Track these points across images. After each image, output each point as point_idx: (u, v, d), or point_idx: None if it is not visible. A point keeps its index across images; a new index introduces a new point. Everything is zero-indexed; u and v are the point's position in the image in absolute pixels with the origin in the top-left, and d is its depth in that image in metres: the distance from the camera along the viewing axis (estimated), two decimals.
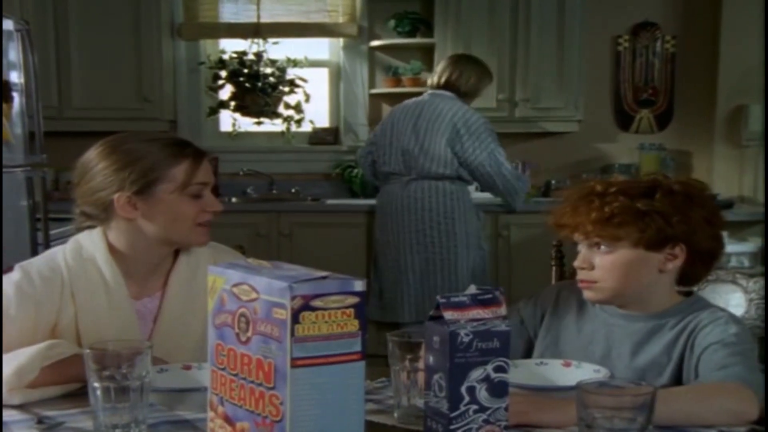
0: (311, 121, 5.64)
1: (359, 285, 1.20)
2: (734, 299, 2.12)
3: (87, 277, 1.93)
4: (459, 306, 1.39)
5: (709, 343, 1.70)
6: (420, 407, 1.51)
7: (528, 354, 1.96)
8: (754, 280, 2.15)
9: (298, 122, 5.56)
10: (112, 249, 1.96)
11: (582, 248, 1.84)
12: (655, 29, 5.81)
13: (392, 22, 5.60)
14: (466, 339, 1.36)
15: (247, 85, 5.40)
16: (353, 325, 1.20)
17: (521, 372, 1.70)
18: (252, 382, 1.22)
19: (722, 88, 5.57)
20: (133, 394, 1.47)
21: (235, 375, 1.26)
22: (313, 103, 5.65)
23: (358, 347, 1.21)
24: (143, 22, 5.31)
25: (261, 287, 1.21)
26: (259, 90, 5.37)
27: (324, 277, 1.20)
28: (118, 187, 1.92)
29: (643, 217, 1.76)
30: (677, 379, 1.76)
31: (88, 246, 1.96)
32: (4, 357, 1.69)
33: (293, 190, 5.54)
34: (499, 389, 1.38)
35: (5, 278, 1.90)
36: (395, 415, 1.58)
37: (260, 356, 1.21)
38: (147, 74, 5.33)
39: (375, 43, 5.68)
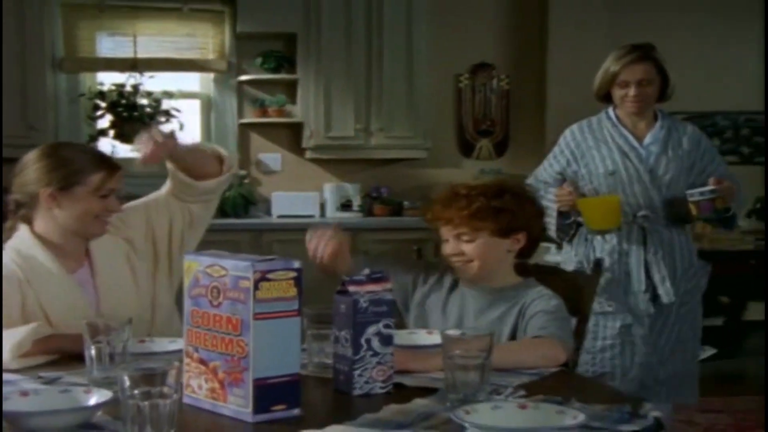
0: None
1: (297, 263, 1.77)
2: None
3: (33, 269, 2.42)
4: (358, 282, 1.98)
5: (535, 311, 2.34)
6: (326, 363, 2.08)
7: None
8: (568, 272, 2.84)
9: None
10: (40, 238, 2.46)
11: (449, 239, 2.43)
12: (491, 69, 6.62)
13: (259, 60, 6.19)
14: (364, 305, 1.95)
15: (125, 114, 5.86)
16: (293, 291, 1.76)
17: (398, 339, 2.29)
18: (223, 332, 1.77)
19: (549, 121, 6.40)
20: (118, 357, 1.99)
21: (208, 330, 1.80)
22: (187, 132, 6.14)
23: (296, 306, 1.77)
24: (28, 55, 5.69)
25: (229, 266, 1.76)
26: (137, 119, 5.83)
27: (273, 259, 1.77)
28: (46, 182, 2.42)
29: (498, 213, 2.38)
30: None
31: (22, 246, 2.45)
32: (4, 333, 2.18)
33: None
34: (387, 340, 1.97)
35: None
36: (309, 368, 2.14)
37: (229, 314, 1.76)
38: (32, 104, 5.71)
39: (243, 77, 6.24)
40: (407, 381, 2.00)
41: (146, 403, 1.51)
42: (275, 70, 6.21)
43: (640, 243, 3.41)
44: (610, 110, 3.54)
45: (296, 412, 1.75)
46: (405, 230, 5.89)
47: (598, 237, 3.46)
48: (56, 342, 2.21)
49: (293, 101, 6.26)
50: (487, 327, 2.27)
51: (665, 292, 3.40)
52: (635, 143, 3.44)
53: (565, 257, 3.58)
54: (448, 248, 2.45)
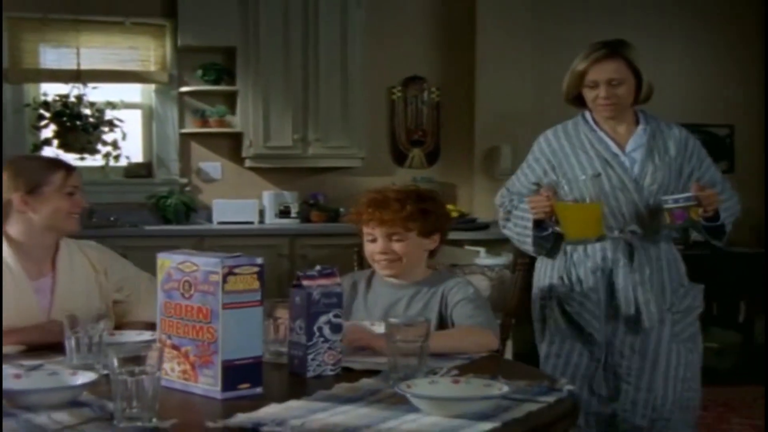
0: (127, 157, 6.32)
1: (260, 260, 2.03)
2: (482, 283, 3.06)
3: None
4: (311, 277, 2.24)
5: (457, 299, 2.64)
6: (280, 351, 2.34)
7: None
8: (495, 271, 3.13)
9: (116, 158, 6.22)
10: (11, 241, 2.69)
11: (378, 238, 2.70)
12: (423, 82, 6.93)
13: (200, 72, 6.41)
14: (316, 297, 2.21)
15: (68, 124, 6.02)
16: (256, 284, 2.02)
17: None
18: (193, 320, 2.01)
19: (478, 132, 6.74)
20: (94, 346, 2.23)
21: (180, 318, 2.04)
22: (129, 141, 6.33)
23: (258, 297, 2.02)
24: None
25: (200, 262, 2.01)
26: (81, 129, 6.00)
27: (239, 256, 2.02)
28: (14, 188, 2.66)
29: (425, 215, 2.67)
30: (438, 327, 2.66)
31: None
32: None
33: (112, 218, 6.15)
34: (337, 328, 2.23)
35: None
36: (265, 355, 2.39)
37: (200, 305, 2.00)
38: None
39: (184, 89, 6.46)
40: (354, 365, 2.26)
41: (133, 379, 1.75)
42: (215, 82, 6.43)
43: (627, 259, 3.10)
44: (587, 113, 3.21)
45: (259, 390, 2.01)
46: (341, 236, 6.12)
47: (580, 251, 3.17)
48: (15, 337, 2.47)
49: (233, 112, 6.49)
50: (417, 316, 2.55)
51: (648, 316, 3.08)
52: (617, 150, 3.12)
53: (539, 275, 3.31)
54: (376, 247, 2.71)
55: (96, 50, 6.27)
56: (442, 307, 2.69)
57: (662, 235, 3.14)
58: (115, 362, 1.76)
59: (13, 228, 2.70)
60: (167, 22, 6.40)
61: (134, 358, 1.77)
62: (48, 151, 6.17)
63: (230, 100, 6.52)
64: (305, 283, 2.23)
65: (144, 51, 6.39)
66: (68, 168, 2.76)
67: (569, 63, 3.20)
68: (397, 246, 2.69)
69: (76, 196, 2.73)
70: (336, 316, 2.24)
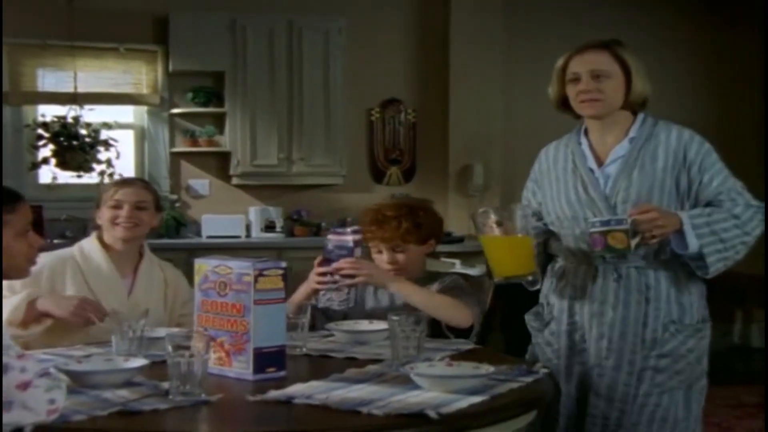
0: (120, 174, 6.62)
1: (284, 263, 2.41)
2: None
3: (89, 264, 3.09)
4: (335, 232, 2.92)
5: (451, 287, 3.05)
6: (295, 344, 2.71)
7: None
8: (475, 277, 3.52)
9: (110, 175, 6.54)
10: (104, 245, 3.13)
11: (383, 251, 3.10)
12: (400, 104, 7.35)
13: (190, 94, 6.79)
14: (330, 247, 2.93)
15: (66, 144, 6.35)
16: (281, 284, 2.39)
17: (346, 326, 2.94)
18: (228, 315, 2.38)
19: (452, 151, 7.16)
20: (137, 339, 2.59)
21: (216, 313, 2.41)
22: (122, 159, 6.66)
23: (282, 295, 2.40)
24: None
25: (234, 266, 2.38)
26: (78, 148, 6.33)
27: (267, 260, 2.40)
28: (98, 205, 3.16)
29: (419, 227, 3.09)
30: None
31: (86, 246, 3.12)
32: (5, 302, 2.73)
33: None
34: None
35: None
36: None
37: (234, 301, 2.38)
38: None
39: (175, 110, 6.84)
40: (358, 355, 2.64)
41: (185, 361, 2.11)
42: (205, 104, 6.82)
43: (599, 288, 2.73)
44: (584, 124, 2.86)
45: (283, 373, 2.38)
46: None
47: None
48: (43, 303, 2.81)
49: (221, 132, 6.87)
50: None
51: (596, 351, 2.72)
52: (593, 165, 2.76)
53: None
54: (384, 258, 3.12)
55: (92, 74, 6.64)
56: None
57: (662, 263, 2.69)
58: (170, 348, 2.12)
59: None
60: (159, 48, 6.78)
61: (184, 346, 2.15)
62: (45, 170, 6.51)
63: (219, 121, 6.90)
64: (329, 235, 2.81)
65: (137, 75, 6.77)
66: (122, 183, 3.25)
67: (541, 87, 2.97)
68: (400, 256, 3.11)
69: (122, 209, 3.13)
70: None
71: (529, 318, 2.93)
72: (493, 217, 2.64)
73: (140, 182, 3.31)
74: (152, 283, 3.20)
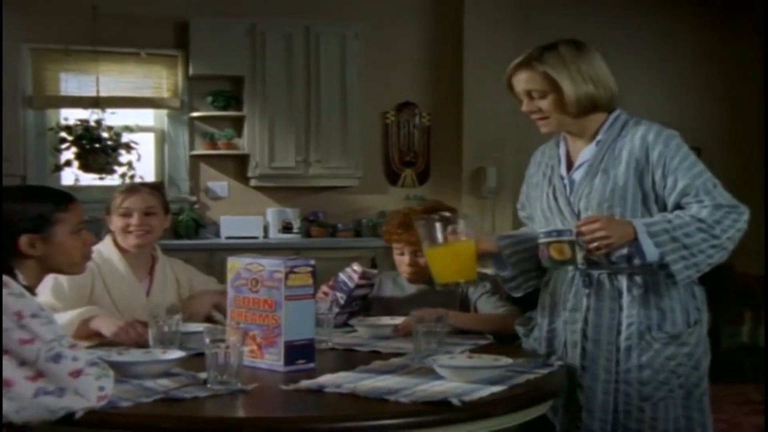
0: (141, 177, 6.78)
1: (312, 261, 2.54)
2: None
3: (108, 268, 3.20)
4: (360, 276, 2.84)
5: (480, 293, 3.15)
6: (320, 338, 2.84)
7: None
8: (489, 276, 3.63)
9: (131, 177, 6.70)
10: (120, 248, 3.25)
11: (406, 254, 3.19)
12: (414, 107, 7.48)
13: (209, 98, 6.94)
14: (355, 294, 2.77)
15: (88, 147, 6.50)
16: (310, 281, 2.52)
17: (369, 321, 3.08)
18: (260, 310, 2.52)
19: (466, 154, 7.29)
20: (171, 334, 2.72)
21: (248, 308, 2.55)
22: (143, 162, 6.82)
23: (311, 291, 2.53)
24: (3, 93, 6.31)
25: (265, 264, 2.52)
26: (100, 151, 6.49)
27: (296, 258, 2.53)
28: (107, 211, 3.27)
29: None
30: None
31: (104, 250, 3.22)
32: (57, 316, 2.84)
33: None
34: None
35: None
36: None
37: (266, 297, 2.51)
38: (6, 138, 6.32)
39: (194, 114, 6.99)
40: (382, 348, 2.77)
41: (222, 352, 2.25)
42: (224, 108, 6.97)
43: (574, 295, 2.67)
44: None
45: (312, 365, 2.51)
46: (340, 249, 6.69)
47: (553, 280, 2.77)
48: (96, 323, 2.92)
49: (240, 135, 7.02)
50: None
51: (572, 358, 2.65)
52: (563, 171, 2.71)
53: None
54: (404, 260, 3.21)
55: (114, 78, 6.80)
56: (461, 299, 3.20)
57: (639, 267, 2.57)
58: (208, 340, 2.26)
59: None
60: (179, 52, 6.95)
61: (220, 338, 2.28)
62: (68, 172, 6.65)
63: (237, 124, 7.05)
64: (349, 267, 3.00)
65: (158, 79, 6.93)
66: (129, 190, 3.34)
67: None
68: (421, 260, 3.10)
69: (132, 217, 3.26)
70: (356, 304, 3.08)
71: (518, 322, 2.89)
72: (437, 226, 2.63)
73: (146, 188, 3.38)
74: (167, 284, 3.32)
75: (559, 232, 2.52)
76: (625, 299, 2.58)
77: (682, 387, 2.59)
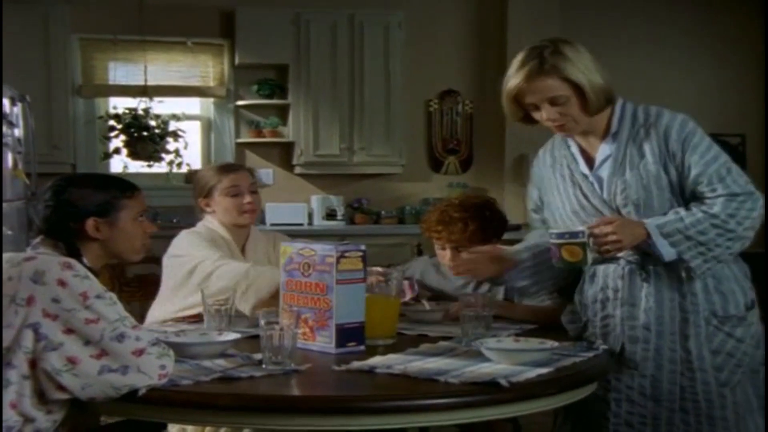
0: (188, 164, 6.91)
1: (363, 246, 2.60)
2: None
3: (217, 241, 3.28)
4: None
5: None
6: None
7: None
8: None
9: (178, 165, 6.82)
10: (223, 225, 3.35)
11: (448, 250, 3.18)
12: (457, 95, 7.51)
13: (255, 87, 7.03)
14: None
15: (137, 135, 6.62)
16: (360, 265, 2.58)
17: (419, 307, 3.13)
18: (312, 294, 2.58)
19: (509, 141, 7.30)
20: (226, 315, 2.79)
21: (300, 292, 2.61)
22: (189, 150, 6.93)
23: (362, 275, 2.59)
24: (52, 83, 6.47)
25: (317, 249, 2.58)
26: (148, 139, 6.60)
27: (347, 243, 2.60)
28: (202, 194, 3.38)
29: (485, 231, 3.15)
30: None
31: (217, 229, 3.32)
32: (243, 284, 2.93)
33: (174, 220, 6.68)
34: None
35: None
36: None
37: (318, 281, 2.58)
38: (56, 126, 6.48)
39: (240, 102, 7.07)
40: (430, 333, 2.83)
41: (277, 333, 2.32)
42: (269, 96, 7.05)
43: (625, 290, 2.65)
44: None
45: (362, 347, 2.57)
46: (383, 236, 6.76)
47: (586, 276, 2.76)
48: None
49: (285, 123, 7.10)
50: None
51: (630, 354, 2.63)
52: (585, 169, 2.69)
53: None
54: (446, 255, 3.20)
55: (161, 67, 6.91)
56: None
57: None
58: (263, 322, 2.33)
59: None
60: (225, 42, 7.03)
61: (275, 321, 2.36)
62: (116, 160, 6.77)
63: (282, 112, 7.14)
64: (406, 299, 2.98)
65: (204, 68, 7.02)
66: (228, 169, 3.41)
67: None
68: (461, 255, 3.11)
69: (242, 196, 3.34)
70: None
71: (566, 320, 2.85)
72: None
73: (243, 168, 3.49)
74: (258, 255, 3.36)
75: (572, 234, 2.56)
76: (686, 287, 2.57)
77: (751, 364, 2.61)
